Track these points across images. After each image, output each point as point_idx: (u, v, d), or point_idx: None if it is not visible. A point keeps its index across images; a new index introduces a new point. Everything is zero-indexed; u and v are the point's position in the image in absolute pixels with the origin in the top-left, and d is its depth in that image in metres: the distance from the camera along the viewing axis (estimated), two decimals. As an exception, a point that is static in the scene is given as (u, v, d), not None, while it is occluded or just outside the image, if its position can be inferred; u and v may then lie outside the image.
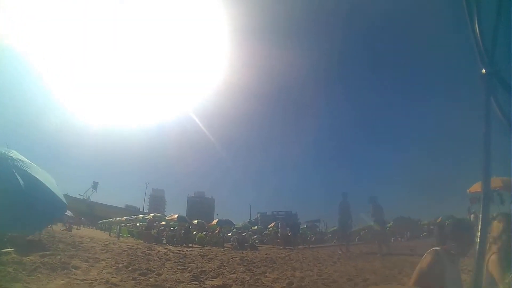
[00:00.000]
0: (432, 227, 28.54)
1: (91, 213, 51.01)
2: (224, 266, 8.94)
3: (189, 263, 9.13)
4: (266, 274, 8.08)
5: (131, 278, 6.95)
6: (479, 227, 1.01)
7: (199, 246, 20.51)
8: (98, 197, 59.63)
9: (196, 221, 28.81)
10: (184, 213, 58.80)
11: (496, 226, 3.40)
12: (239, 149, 65.22)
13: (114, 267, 7.82)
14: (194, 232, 25.21)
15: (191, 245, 21.42)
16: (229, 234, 24.36)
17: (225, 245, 20.11)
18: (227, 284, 6.85)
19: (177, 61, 46.48)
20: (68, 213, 41.00)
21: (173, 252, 11.57)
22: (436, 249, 3.11)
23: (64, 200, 10.41)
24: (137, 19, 41.10)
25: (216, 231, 24.81)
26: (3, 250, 7.68)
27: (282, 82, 50.04)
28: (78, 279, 6.39)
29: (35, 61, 43.88)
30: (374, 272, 8.82)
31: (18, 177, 9.00)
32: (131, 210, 51.00)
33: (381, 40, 47.46)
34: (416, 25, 37.67)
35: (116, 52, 46.20)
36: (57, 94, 51.33)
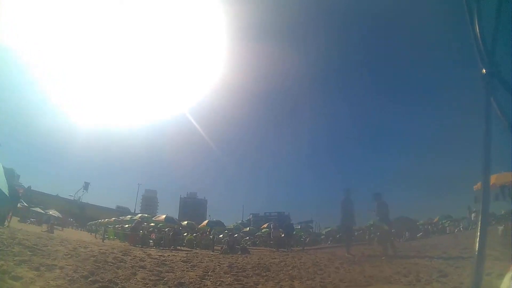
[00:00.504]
0: (429, 227, 27.35)
1: (81, 214, 49.20)
2: (208, 276, 7.21)
3: (167, 272, 7.38)
4: (258, 287, 6.39)
5: (83, 293, 5.22)
6: (479, 227, 1.03)
7: (187, 249, 18.81)
8: (89, 198, 58.02)
9: (186, 222, 27.10)
10: (176, 214, 57.39)
11: None
12: (233, 150, 63.85)
13: (69, 278, 6.04)
14: (185, 234, 23.59)
15: (179, 247, 19.74)
16: (221, 236, 22.76)
17: (216, 247, 18.43)
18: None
19: (172, 60, 45.00)
20: (55, 213, 39.27)
21: (151, 258, 9.80)
22: None
23: (6, 192, 8.51)
24: (133, 18, 39.61)
25: (207, 233, 23.08)
26: None
27: (277, 83, 48.92)
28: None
29: (26, 61, 42.08)
30: (388, 280, 7.19)
31: None
32: (122, 211, 49.20)
33: (381, 40, 46.59)
34: (417, 26, 37.03)
35: (109, 51, 44.54)
36: (48, 93, 49.64)
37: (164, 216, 24.87)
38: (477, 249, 1.01)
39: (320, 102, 59.39)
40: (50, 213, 38.87)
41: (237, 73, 35.98)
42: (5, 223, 13.87)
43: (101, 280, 6.22)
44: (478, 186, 15.56)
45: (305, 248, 20.26)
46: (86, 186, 50.88)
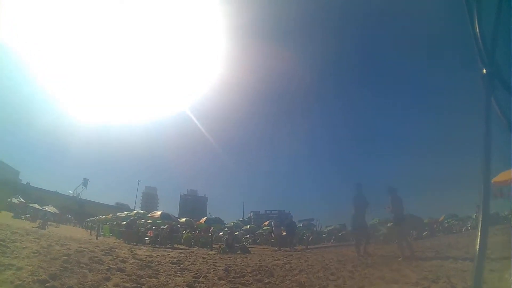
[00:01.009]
0: (434, 225, 25.86)
1: (80, 210, 47.63)
2: (198, 282, 5.74)
3: (149, 277, 5.92)
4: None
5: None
6: (479, 227, 1.00)
7: (184, 248, 17.32)
8: (88, 195, 56.40)
9: (184, 219, 25.57)
10: (176, 212, 55.90)
11: None
12: (234, 148, 62.33)
13: (19, 282, 4.61)
14: (184, 232, 22.14)
15: (176, 245, 18.25)
16: (221, 234, 21.30)
17: (216, 245, 16.89)
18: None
19: (173, 59, 43.56)
20: (52, 210, 37.79)
21: (136, 258, 8.31)
22: None
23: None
24: (131, 16, 38.25)
25: (210, 231, 21.58)
26: None
27: (278, 81, 47.51)
28: None
29: (25, 58, 40.71)
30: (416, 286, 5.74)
31: None
32: (122, 208, 47.65)
33: (381, 40, 45.12)
34: (417, 26, 35.69)
35: (109, 48, 43.17)
36: (49, 90, 48.25)
37: (159, 212, 23.30)
38: (477, 249, 0.99)
39: (321, 100, 57.94)
40: (47, 209, 37.52)
41: (238, 71, 34.63)
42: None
43: (60, 286, 4.78)
44: (496, 178, 14.09)
45: (308, 247, 18.77)
46: (85, 182, 49.27)
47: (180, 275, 6.43)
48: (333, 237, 26.11)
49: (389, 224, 23.03)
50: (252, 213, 50.21)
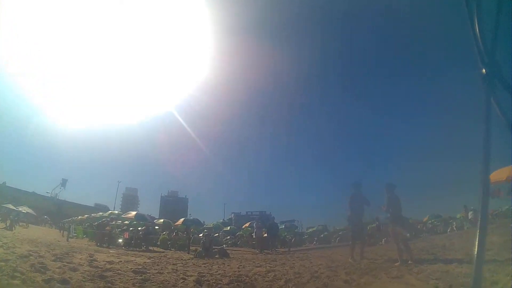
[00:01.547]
0: (418, 226, 25.01)
1: (57, 211, 44.99)
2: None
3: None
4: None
5: None
6: (479, 227, 0.99)
7: (159, 250, 15.71)
8: (67, 195, 53.58)
9: (161, 220, 23.82)
10: (156, 213, 53.71)
11: None
12: (216, 149, 60.60)
13: None
14: (164, 233, 20.46)
15: (152, 248, 16.61)
16: (200, 235, 19.73)
17: (195, 247, 15.31)
18: None
19: (159, 57, 41.73)
20: (26, 210, 35.33)
21: (92, 266, 6.74)
22: None
23: None
24: (117, 16, 36.40)
25: (187, 233, 19.91)
26: None
27: (265, 82, 46.16)
28: None
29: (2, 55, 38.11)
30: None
31: None
32: (100, 209, 45.17)
33: (380, 39, 44.51)
34: (417, 26, 35.30)
35: (92, 47, 41.00)
36: (28, 89, 45.51)
37: (134, 213, 21.51)
38: (476, 249, 0.97)
39: (308, 101, 56.99)
40: (20, 209, 35.15)
41: (225, 72, 33.20)
42: None
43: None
44: (494, 177, 13.17)
45: (291, 249, 17.40)
46: (63, 183, 46.61)
47: (137, 290, 4.95)
48: (315, 238, 24.93)
49: (373, 225, 22.06)
50: (233, 214, 48.59)
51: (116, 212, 25.21)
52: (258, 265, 8.45)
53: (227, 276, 6.42)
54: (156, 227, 22.63)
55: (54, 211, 44.46)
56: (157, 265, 7.85)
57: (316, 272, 7.27)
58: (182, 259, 10.25)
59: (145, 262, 8.34)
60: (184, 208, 53.36)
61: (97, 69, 44.96)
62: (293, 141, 65.80)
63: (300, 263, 9.01)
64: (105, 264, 7.25)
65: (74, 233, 23.94)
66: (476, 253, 0.98)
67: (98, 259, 7.92)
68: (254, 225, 17.06)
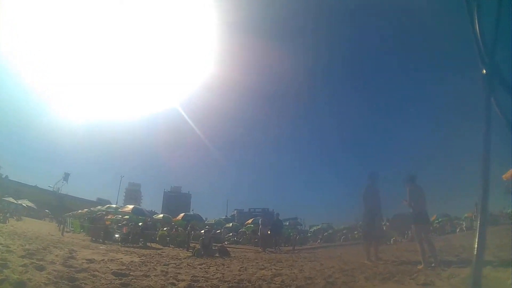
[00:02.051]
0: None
1: (59, 205, 44.17)
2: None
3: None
4: None
5: None
6: (478, 227, 0.98)
7: (157, 247, 14.61)
8: (70, 189, 52.76)
9: (161, 215, 22.70)
10: (159, 208, 52.65)
11: None
12: (220, 145, 59.46)
13: None
14: (165, 228, 19.33)
15: (149, 244, 15.50)
16: (202, 232, 18.56)
17: (195, 243, 14.12)
18: None
19: (164, 53, 40.61)
20: (27, 204, 34.47)
21: (66, 265, 5.57)
22: None
23: None
24: (122, 13, 35.47)
25: (187, 229, 18.66)
26: None
27: (269, 80, 44.92)
28: None
29: (6, 50, 37.22)
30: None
31: None
32: (102, 204, 44.25)
33: (380, 39, 43.23)
34: (417, 26, 34.06)
35: (96, 44, 40.05)
36: (33, 85, 44.69)
37: (131, 207, 20.32)
38: (476, 249, 0.96)
39: (312, 100, 55.73)
40: (21, 203, 34.31)
41: (230, 69, 32.09)
42: None
43: None
44: (508, 175, 11.91)
45: (295, 247, 16.21)
46: (66, 177, 45.86)
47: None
48: (320, 236, 23.72)
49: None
50: (236, 211, 47.40)
51: (114, 206, 24.09)
52: (262, 266, 7.23)
53: (225, 281, 5.23)
54: (157, 222, 21.59)
55: (56, 205, 43.64)
56: (146, 265, 6.66)
57: (330, 277, 6.06)
58: (177, 257, 9.03)
59: (132, 261, 7.15)
60: (187, 204, 52.27)
61: (102, 65, 44.03)
62: (296, 139, 64.57)
63: (309, 265, 7.79)
64: (83, 263, 6.08)
65: (71, 227, 22.94)
66: (476, 253, 0.95)
67: (77, 257, 6.75)
68: (259, 222, 15.83)
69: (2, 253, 5.84)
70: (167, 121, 50.10)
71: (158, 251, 11.96)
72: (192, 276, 5.57)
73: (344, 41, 45.49)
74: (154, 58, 42.49)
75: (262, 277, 5.71)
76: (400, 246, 14.62)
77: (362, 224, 9.79)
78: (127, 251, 10.44)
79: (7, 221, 19.85)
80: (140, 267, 6.33)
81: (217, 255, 10.54)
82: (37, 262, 5.43)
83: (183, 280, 5.13)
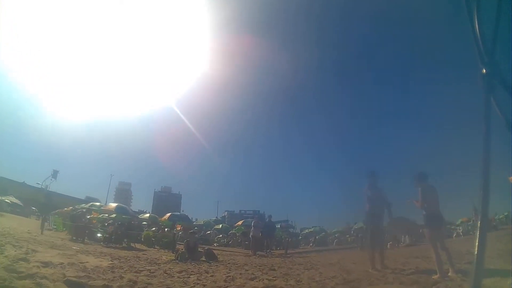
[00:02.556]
0: (420, 230, 22.76)
1: (47, 203, 42.42)
2: None
3: None
4: None
5: None
6: (479, 228, 0.97)
7: (140, 248, 13.34)
8: (59, 187, 50.84)
9: (147, 214, 21.40)
10: (150, 208, 51.04)
11: None
12: (212, 146, 57.93)
13: None
14: (154, 228, 18.07)
15: (133, 245, 14.21)
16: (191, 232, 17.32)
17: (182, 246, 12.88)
18: None
19: (156, 51, 39.39)
20: (10, 200, 32.74)
21: (6, 268, 4.32)
22: None
23: None
24: (116, 11, 34.26)
25: (174, 229, 17.43)
26: None
27: (262, 78, 43.90)
28: None
29: None
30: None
31: None
32: (91, 202, 42.59)
33: (380, 39, 42.54)
34: (417, 25, 33.53)
35: (89, 41, 38.67)
36: (23, 80, 43.11)
37: (115, 205, 18.99)
38: (476, 249, 0.94)
39: (303, 99, 54.81)
40: (3, 198, 32.61)
41: (222, 67, 30.98)
42: None
43: None
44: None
45: (288, 251, 15.03)
46: (54, 174, 43.59)
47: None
48: (312, 240, 22.62)
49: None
50: (226, 212, 46.11)
51: (98, 204, 22.60)
52: (253, 276, 6.03)
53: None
54: (144, 222, 20.31)
55: (43, 202, 41.90)
56: (113, 271, 5.43)
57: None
58: (157, 262, 7.77)
59: (98, 266, 5.90)
60: (177, 204, 50.65)
61: (96, 63, 42.57)
62: (289, 141, 63.68)
63: (306, 274, 6.62)
64: (34, 267, 4.84)
65: (54, 225, 21.48)
66: (476, 253, 0.93)
67: (32, 259, 5.49)
68: (252, 224, 14.62)
69: None
70: (159, 120, 48.76)
71: (140, 253, 10.73)
72: (166, 288, 4.38)
73: (347, 41, 44.68)
74: (148, 56, 41.18)
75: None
76: (401, 251, 13.59)
77: (365, 228, 8.63)
78: (102, 252, 9.18)
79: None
80: (104, 274, 5.12)
81: (203, 258, 9.34)
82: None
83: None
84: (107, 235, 14.65)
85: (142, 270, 5.82)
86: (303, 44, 40.51)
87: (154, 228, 18.15)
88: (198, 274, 5.94)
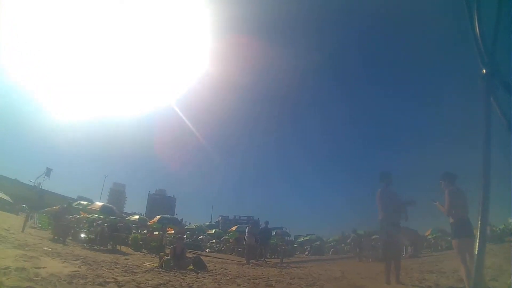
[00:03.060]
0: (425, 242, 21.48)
1: (38, 200, 40.94)
2: None
3: None
4: None
5: None
6: (479, 227, 0.95)
7: (127, 252, 12.14)
8: (52, 186, 49.54)
9: (137, 216, 20.08)
10: (143, 211, 49.52)
11: None
12: (208, 151, 56.84)
13: None
14: (146, 231, 16.81)
15: (119, 248, 12.96)
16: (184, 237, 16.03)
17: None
18: None
19: (157, 53, 38.57)
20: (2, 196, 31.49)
21: None
22: None
23: None
24: (117, 11, 33.56)
25: (160, 233, 16.10)
26: None
27: (260, 81, 43.14)
28: None
29: None
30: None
31: None
32: (78, 201, 41.24)
33: (380, 39, 41.96)
34: (417, 26, 33.08)
35: (87, 40, 37.85)
36: (21, 81, 42.20)
37: (101, 204, 17.67)
38: (477, 249, 0.92)
39: (302, 102, 54.15)
40: (-9, 194, 31.13)
41: (223, 68, 30.17)
42: None
43: None
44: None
45: (284, 260, 13.75)
46: (48, 172, 42.35)
47: None
48: (308, 248, 21.34)
49: (374, 237, 18.52)
50: (220, 217, 44.71)
51: (84, 202, 21.23)
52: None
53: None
54: (135, 225, 19.00)
55: (34, 200, 40.48)
56: (69, 283, 4.20)
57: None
58: (134, 271, 6.49)
59: (55, 274, 4.64)
60: (171, 207, 49.16)
61: (96, 63, 41.67)
62: (285, 147, 62.73)
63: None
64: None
65: (39, 223, 20.14)
66: (476, 254, 0.91)
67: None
68: (247, 230, 13.36)
69: None
70: (157, 121, 47.73)
71: (122, 258, 9.50)
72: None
73: (348, 42, 44.10)
74: (148, 58, 40.32)
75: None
76: (409, 264, 12.37)
77: (380, 237, 7.44)
78: (76, 255, 7.91)
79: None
80: (58, 285, 3.90)
81: (191, 267, 8.12)
82: None
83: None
84: (92, 236, 13.44)
85: (108, 282, 4.58)
86: (306, 46, 39.89)
87: (145, 231, 16.92)
88: (180, 288, 4.72)
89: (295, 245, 22.89)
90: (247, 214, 43.25)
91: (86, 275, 4.90)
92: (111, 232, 13.64)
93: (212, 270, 8.19)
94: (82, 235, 14.14)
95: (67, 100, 48.52)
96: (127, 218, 18.95)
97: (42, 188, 44.21)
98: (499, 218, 17.65)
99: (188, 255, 10.21)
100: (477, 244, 0.93)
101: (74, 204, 19.18)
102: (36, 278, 4.04)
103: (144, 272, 6.45)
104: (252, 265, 11.09)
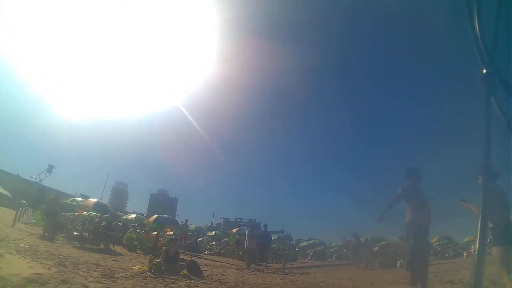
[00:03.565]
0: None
1: (38, 196, 40.23)
2: None
3: None
4: None
5: None
6: (479, 227, 0.91)
7: (119, 252, 11.19)
8: (54, 183, 48.97)
9: (134, 215, 19.13)
10: (145, 211, 48.57)
11: None
12: (212, 153, 56.03)
13: None
14: (143, 231, 15.87)
15: (112, 247, 11.98)
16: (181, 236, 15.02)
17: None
18: None
19: (163, 54, 38.04)
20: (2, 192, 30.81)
21: None
22: None
23: None
24: (124, 12, 33.11)
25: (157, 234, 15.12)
26: None
27: (265, 82, 42.40)
28: None
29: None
30: None
31: None
32: (73, 198, 40.54)
33: (381, 39, 41.22)
34: (417, 26, 32.35)
35: (95, 41, 37.45)
36: (26, 79, 41.85)
37: (94, 201, 16.69)
38: (477, 249, 0.89)
39: (306, 103, 53.32)
40: (-10, 189, 30.37)
41: (229, 69, 29.53)
42: None
43: None
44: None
45: (286, 265, 12.68)
46: (50, 169, 41.69)
47: None
48: (310, 253, 20.25)
49: (380, 243, 17.44)
50: (222, 219, 43.65)
51: (79, 199, 20.29)
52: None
53: None
54: (133, 224, 18.06)
55: (35, 196, 39.75)
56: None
57: None
58: (115, 276, 5.47)
59: (17, 274, 3.67)
60: (173, 208, 48.20)
61: (101, 63, 41.25)
62: (288, 151, 61.87)
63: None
64: None
65: (33, 219, 19.26)
66: (476, 254, 0.88)
67: None
68: (247, 233, 12.35)
69: None
70: (161, 121, 47.01)
71: (109, 259, 8.52)
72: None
73: (349, 42, 43.37)
74: (154, 56, 39.72)
75: None
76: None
77: (405, 243, 6.37)
78: (54, 255, 6.93)
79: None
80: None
81: (184, 272, 7.13)
82: None
83: None
84: (85, 234, 12.51)
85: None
86: (310, 47, 39.21)
87: (138, 230, 15.96)
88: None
89: (296, 249, 21.85)
90: (249, 217, 42.31)
91: (50, 279, 3.91)
92: (105, 230, 12.70)
93: (208, 276, 7.17)
94: (74, 233, 13.25)
95: (73, 98, 47.96)
96: (123, 217, 17.98)
97: (44, 184, 43.55)
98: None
99: (185, 257, 9.27)
100: (477, 244, 0.89)
101: (69, 201, 18.22)
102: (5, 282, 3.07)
103: (127, 277, 5.43)
104: (252, 270, 10.08)
